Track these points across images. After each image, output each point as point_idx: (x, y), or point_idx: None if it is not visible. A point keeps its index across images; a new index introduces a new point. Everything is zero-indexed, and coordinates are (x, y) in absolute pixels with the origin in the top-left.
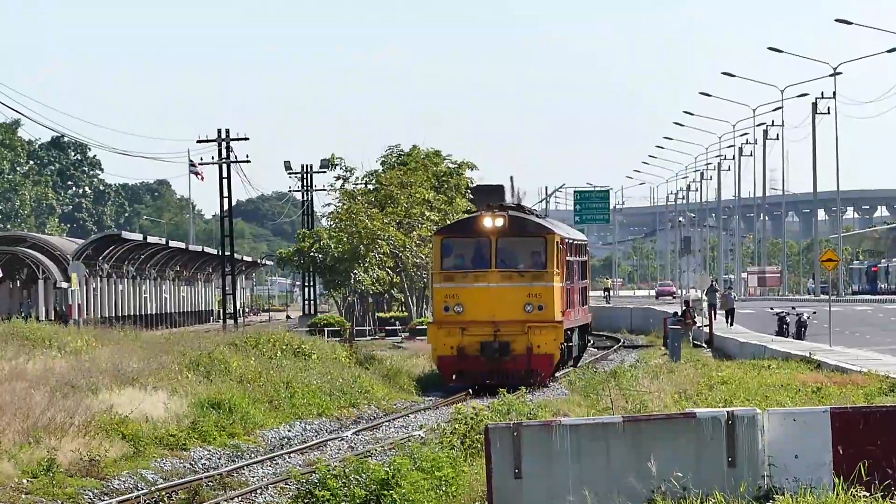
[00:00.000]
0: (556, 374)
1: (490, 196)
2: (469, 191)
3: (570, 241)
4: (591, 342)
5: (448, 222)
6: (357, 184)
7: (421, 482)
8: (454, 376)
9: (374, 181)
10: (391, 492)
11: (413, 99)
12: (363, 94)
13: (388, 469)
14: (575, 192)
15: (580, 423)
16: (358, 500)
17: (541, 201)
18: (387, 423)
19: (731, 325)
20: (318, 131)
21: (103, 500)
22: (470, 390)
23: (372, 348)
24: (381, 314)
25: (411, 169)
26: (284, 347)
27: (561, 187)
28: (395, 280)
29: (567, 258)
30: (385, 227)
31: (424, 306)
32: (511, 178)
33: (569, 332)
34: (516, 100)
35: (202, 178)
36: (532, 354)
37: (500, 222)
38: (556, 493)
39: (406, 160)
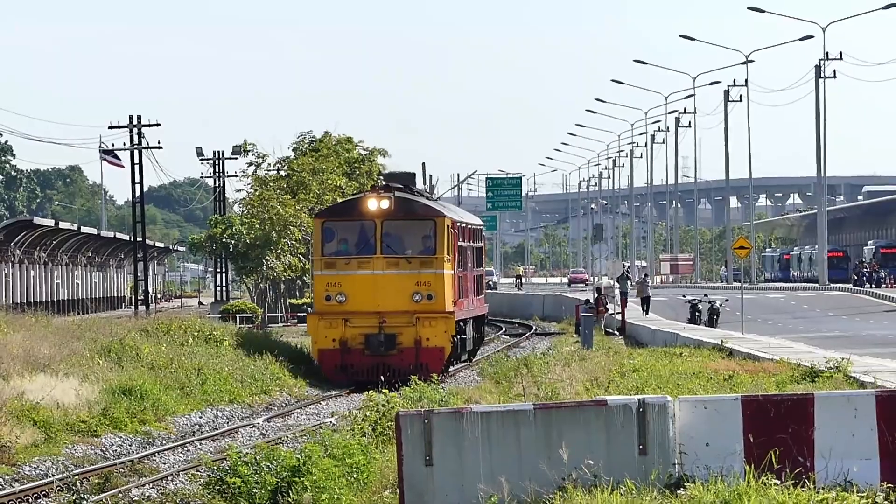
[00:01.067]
0: (449, 370)
1: (402, 183)
2: (381, 177)
3: (464, 225)
4: (489, 335)
5: None
6: (269, 170)
7: (332, 469)
8: (336, 371)
9: (286, 168)
10: (302, 479)
11: (325, 85)
12: (275, 79)
13: (299, 456)
14: (487, 178)
15: (491, 410)
16: (269, 487)
17: (453, 188)
18: (298, 411)
19: (647, 313)
20: (230, 118)
21: (14, 487)
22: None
23: (282, 334)
24: (293, 301)
25: (323, 155)
26: (196, 334)
27: (473, 174)
28: (306, 266)
29: (459, 243)
30: (297, 213)
31: None
32: (423, 164)
33: (461, 324)
34: (428, 86)
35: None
36: (421, 348)
37: (385, 204)
38: (467, 479)
39: (318, 146)
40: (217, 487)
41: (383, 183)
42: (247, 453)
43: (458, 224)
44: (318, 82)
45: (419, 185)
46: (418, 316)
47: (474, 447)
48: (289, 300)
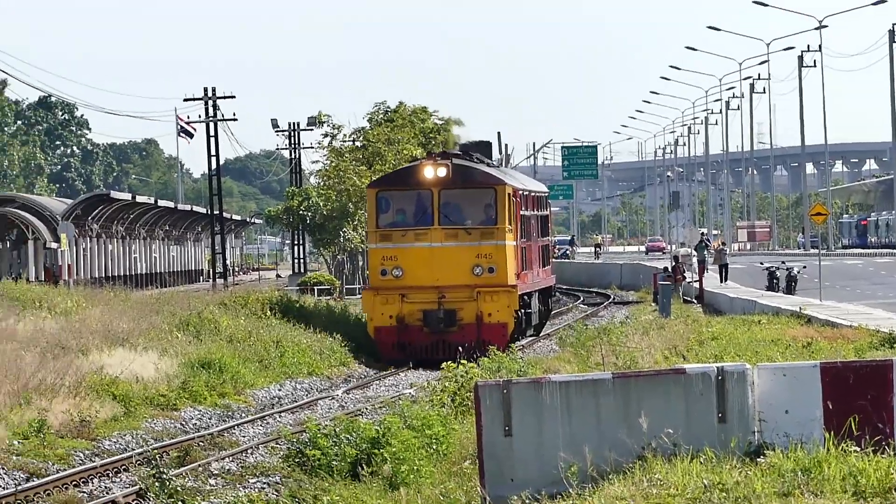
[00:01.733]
0: (513, 346)
1: (478, 153)
2: (456, 147)
3: (526, 193)
4: (567, 304)
5: None
6: (344, 141)
7: (411, 440)
8: (394, 350)
9: (361, 138)
10: (382, 450)
11: (400, 55)
12: (350, 50)
13: (378, 428)
14: (562, 147)
15: (570, 379)
16: (349, 459)
17: (528, 157)
18: (377, 382)
19: (725, 281)
20: (305, 89)
21: (94, 461)
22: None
23: (358, 305)
24: None
25: (398, 126)
26: (274, 306)
27: (548, 143)
28: None
29: (522, 212)
30: None
31: None
32: (498, 133)
33: (526, 298)
34: (504, 55)
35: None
36: (483, 324)
37: (442, 172)
38: (546, 449)
39: (393, 117)
40: (297, 460)
41: (434, 152)
42: (326, 425)
43: (521, 192)
44: (394, 53)
45: (494, 154)
46: (479, 290)
47: (553, 417)
48: (366, 271)
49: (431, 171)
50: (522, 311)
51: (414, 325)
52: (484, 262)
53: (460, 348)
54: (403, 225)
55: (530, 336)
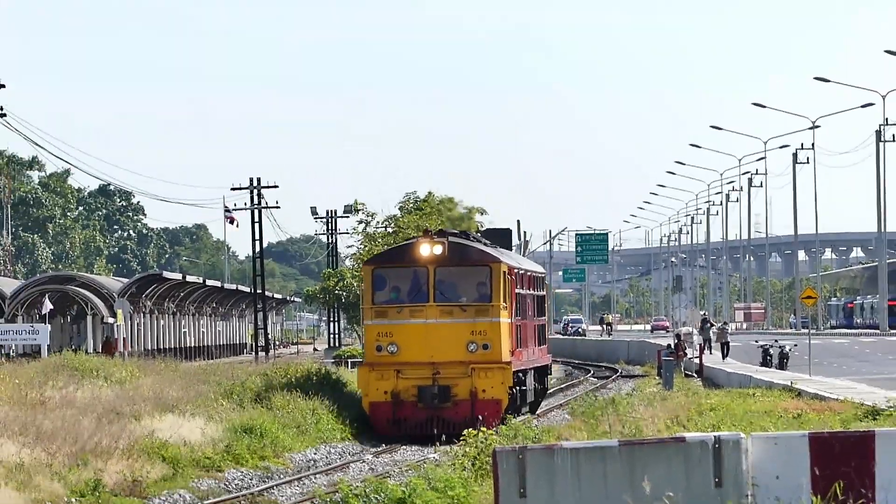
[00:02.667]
0: (510, 421)
1: (498, 240)
2: (479, 234)
3: (522, 272)
4: (578, 377)
5: None
6: (378, 227)
7: (434, 501)
8: (388, 426)
9: (392, 225)
10: None
11: (429, 150)
12: (382, 146)
13: (404, 489)
14: (576, 234)
15: (580, 446)
16: None
17: (545, 243)
18: (405, 447)
19: (726, 357)
20: (342, 179)
21: None
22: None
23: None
24: None
25: (427, 213)
26: (313, 377)
27: (563, 230)
28: None
29: (518, 290)
30: None
31: None
32: (518, 221)
33: (520, 375)
34: (522, 147)
35: (237, 225)
36: (477, 400)
37: (438, 250)
38: None
39: (422, 206)
40: None
41: (429, 230)
42: (357, 486)
43: (516, 270)
44: (423, 150)
45: (514, 240)
46: (474, 367)
47: (565, 480)
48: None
49: (427, 249)
50: (517, 387)
51: (409, 401)
52: (478, 339)
53: (455, 424)
54: (399, 302)
55: (525, 414)
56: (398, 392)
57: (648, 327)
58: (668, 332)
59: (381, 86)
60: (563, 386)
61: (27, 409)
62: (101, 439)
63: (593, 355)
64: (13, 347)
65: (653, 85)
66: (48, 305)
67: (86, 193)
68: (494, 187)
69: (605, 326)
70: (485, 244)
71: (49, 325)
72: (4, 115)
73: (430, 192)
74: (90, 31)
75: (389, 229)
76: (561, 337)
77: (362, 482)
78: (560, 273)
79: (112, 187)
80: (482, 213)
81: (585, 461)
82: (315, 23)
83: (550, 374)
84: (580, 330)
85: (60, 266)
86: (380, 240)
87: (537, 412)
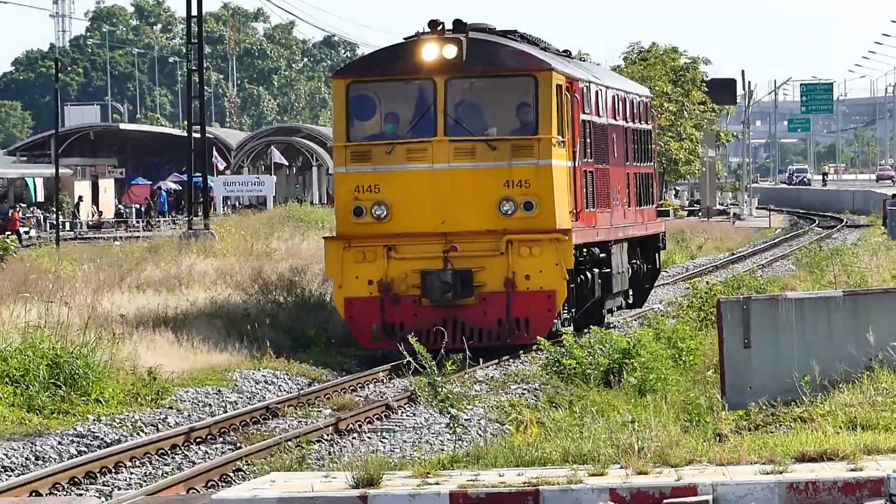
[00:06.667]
0: (568, 329)
1: (722, 90)
2: (704, 84)
3: (598, 90)
4: (803, 227)
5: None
6: None
7: (660, 352)
8: (375, 336)
9: None
10: (632, 360)
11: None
12: None
13: (630, 339)
14: (801, 85)
15: (804, 297)
16: (601, 368)
17: (769, 93)
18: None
19: None
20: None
21: (370, 368)
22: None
23: None
24: None
25: (650, 64)
26: None
27: (787, 80)
28: None
29: (587, 117)
30: None
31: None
32: (742, 71)
33: (594, 251)
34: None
35: None
36: (515, 292)
37: (450, 52)
38: (781, 361)
39: (646, 56)
40: (555, 368)
41: (436, 21)
42: (583, 339)
43: (585, 84)
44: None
45: (738, 90)
46: (511, 238)
47: (788, 331)
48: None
49: (434, 51)
50: (587, 272)
51: (406, 296)
52: (518, 194)
53: (480, 331)
54: (390, 136)
55: (617, 308)
56: (390, 282)
57: (874, 177)
58: (893, 181)
59: None
60: (787, 236)
61: (253, 261)
62: (325, 290)
63: (818, 205)
64: (239, 199)
65: None
66: (278, 155)
67: (311, 45)
68: (720, 35)
69: (822, 176)
70: (529, 41)
71: (275, 177)
72: None
73: (654, 43)
74: None
75: None
76: (786, 187)
77: (589, 334)
78: (785, 123)
79: (337, 38)
80: (706, 63)
81: (810, 312)
82: None
83: (664, 247)
84: (805, 179)
85: (286, 118)
86: None
87: (643, 307)
